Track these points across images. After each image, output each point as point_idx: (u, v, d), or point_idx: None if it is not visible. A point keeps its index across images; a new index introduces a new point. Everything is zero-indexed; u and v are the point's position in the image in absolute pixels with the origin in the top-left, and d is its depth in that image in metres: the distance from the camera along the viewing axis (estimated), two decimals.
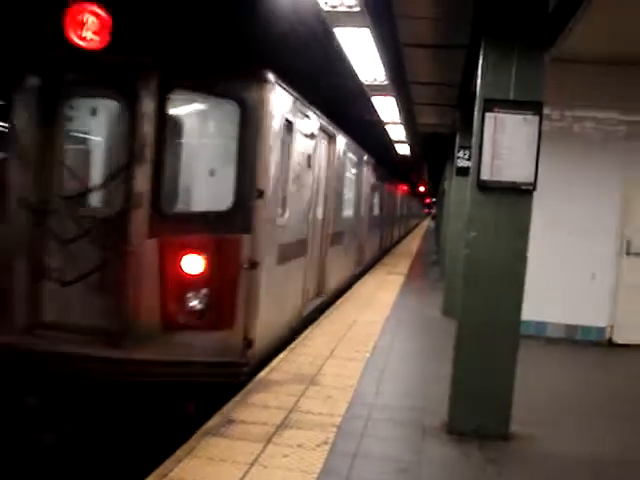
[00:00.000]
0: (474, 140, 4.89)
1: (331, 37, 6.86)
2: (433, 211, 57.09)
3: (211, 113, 6.26)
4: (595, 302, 8.58)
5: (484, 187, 4.82)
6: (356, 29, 6.47)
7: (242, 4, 6.18)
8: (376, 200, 17.58)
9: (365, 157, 14.11)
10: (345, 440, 4.61)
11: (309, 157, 8.10)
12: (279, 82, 6.20)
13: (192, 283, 5.70)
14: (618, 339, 8.58)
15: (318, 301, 9.53)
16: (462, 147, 9.69)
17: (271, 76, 5.99)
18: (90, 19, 5.48)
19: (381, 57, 7.52)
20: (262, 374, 6.12)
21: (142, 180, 5.68)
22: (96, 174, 6.10)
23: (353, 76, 8.64)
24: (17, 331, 5.69)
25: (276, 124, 6.26)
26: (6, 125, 5.87)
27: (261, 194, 5.92)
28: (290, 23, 7.22)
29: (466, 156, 9.45)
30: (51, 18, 5.47)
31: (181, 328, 5.67)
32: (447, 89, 10.00)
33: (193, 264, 5.71)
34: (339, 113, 9.89)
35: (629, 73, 8.05)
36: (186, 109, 6.15)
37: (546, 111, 4.96)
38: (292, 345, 7.42)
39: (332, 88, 9.62)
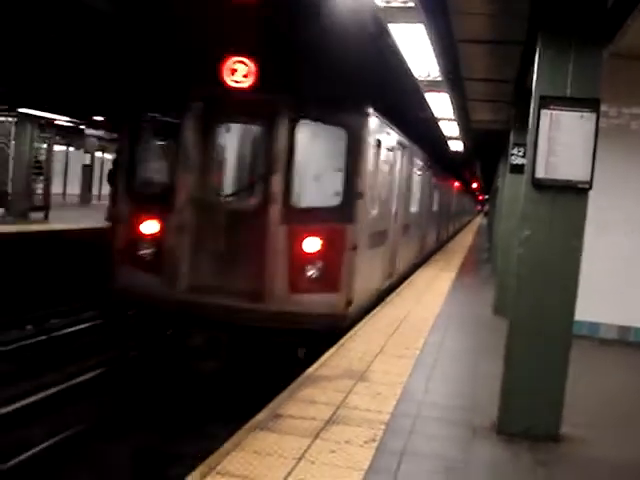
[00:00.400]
0: (529, 137, 4.82)
1: (409, 74, 9.09)
2: (486, 208, 56.65)
3: (326, 136, 8.21)
4: None
5: (539, 185, 4.74)
6: (410, 25, 6.46)
7: (348, 59, 8.21)
8: (435, 198, 19.63)
9: (427, 161, 16.25)
10: (393, 437, 4.59)
11: (390, 165, 10.72)
12: (374, 112, 8.54)
13: (310, 259, 7.87)
14: None
15: (388, 282, 11.49)
16: (516, 144, 9.57)
17: (369, 109, 8.36)
18: (240, 67, 7.85)
19: (435, 53, 7.47)
20: (311, 370, 6.14)
21: (276, 184, 7.88)
22: (243, 178, 8.36)
23: (421, 100, 11.04)
24: (186, 290, 7.93)
25: (370, 144, 8.53)
26: (176, 141, 8.17)
27: (361, 195, 8.18)
28: (379, 70, 9.79)
29: (520, 153, 9.33)
30: (213, 65, 7.82)
31: (302, 290, 7.85)
32: (502, 85, 9.88)
33: (312, 245, 7.87)
34: (407, 125, 12.13)
35: None
36: (308, 133, 8.09)
37: (603, 108, 4.86)
38: (341, 341, 7.43)
39: (403, 107, 12.04)
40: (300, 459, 4.08)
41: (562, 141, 4.69)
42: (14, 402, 7.77)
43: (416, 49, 7.43)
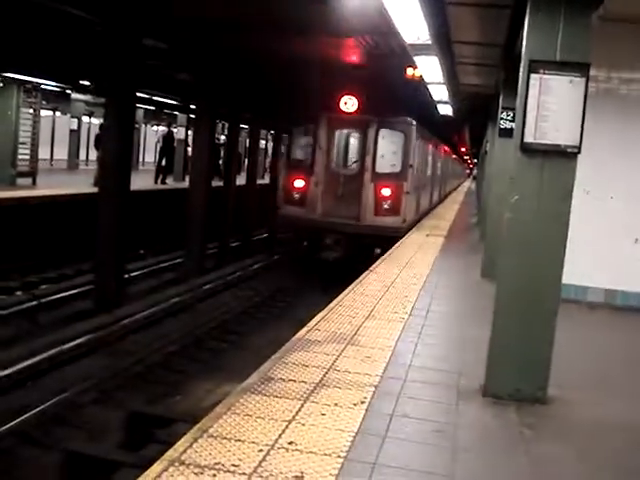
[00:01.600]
0: (518, 102, 4.81)
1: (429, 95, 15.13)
2: (475, 172, 56.52)
3: (392, 136, 16.09)
4: (637, 267, 8.47)
5: (528, 149, 4.75)
6: None
7: (401, 95, 17.08)
8: (437, 165, 26.59)
9: (430, 137, 21.83)
10: (382, 400, 4.65)
11: (420, 149, 17.93)
12: (414, 122, 16.53)
13: (385, 199, 15.59)
14: None
15: (419, 212, 19.33)
16: (505, 108, 9.55)
17: (413, 120, 16.50)
18: (350, 100, 15.69)
19: (425, 16, 7.41)
20: (301, 333, 6.18)
21: (368, 161, 15.86)
22: (350, 158, 16.29)
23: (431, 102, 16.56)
24: (319, 215, 15.47)
25: (414, 140, 16.32)
26: (314, 137, 16.07)
27: (411, 166, 16.08)
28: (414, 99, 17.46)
29: (509, 117, 9.32)
30: (335, 99, 15.38)
31: (380, 215, 15.49)
32: (491, 49, 9.82)
33: (385, 192, 15.60)
34: (424, 121, 18.89)
35: None
36: (383, 134, 16.07)
37: (592, 72, 4.85)
38: (331, 305, 7.47)
39: (423, 112, 18.80)
40: (291, 421, 4.12)
41: (551, 106, 4.69)
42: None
43: (405, 11, 7.36)
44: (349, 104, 15.69)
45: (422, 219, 19.27)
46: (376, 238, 15.05)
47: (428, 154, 21.27)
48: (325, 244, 15.51)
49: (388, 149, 16.01)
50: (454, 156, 39.95)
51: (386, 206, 15.62)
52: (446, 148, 32.54)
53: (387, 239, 13.93)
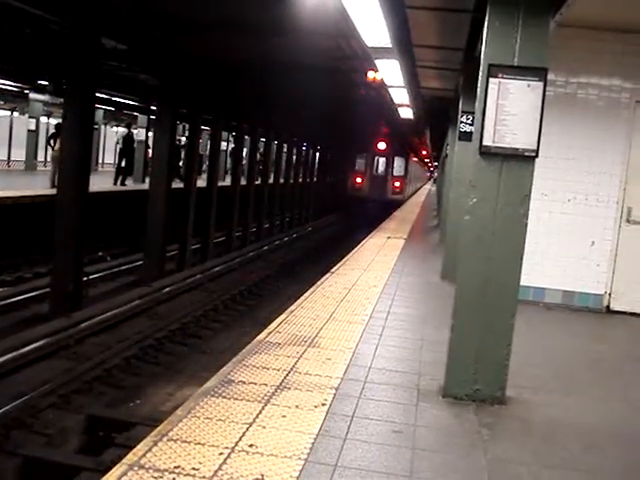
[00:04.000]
0: (477, 105, 4.86)
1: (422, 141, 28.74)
2: (435, 175, 57.81)
3: (399, 160, 40.39)
4: (594, 269, 8.61)
5: (486, 153, 4.80)
6: None
7: (409, 139, 40.68)
8: (413, 171, 45.47)
9: (406, 153, 40.53)
10: (342, 402, 4.66)
11: (409, 165, 40.71)
12: (406, 154, 42.82)
13: (396, 187, 39.06)
14: (615, 306, 8.64)
15: (410, 192, 42.82)
16: (465, 112, 9.64)
17: (405, 153, 42.15)
18: (382, 144, 37.78)
19: (385, 18, 7.45)
20: (261, 336, 6.17)
21: (389, 170, 40.36)
22: (382, 169, 40.59)
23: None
24: (366, 193, 38.68)
25: (407, 161, 40.61)
26: (366, 161, 40.12)
27: (407, 172, 40.12)
28: (412, 141, 41.18)
29: (469, 121, 9.40)
30: (375, 141, 37.58)
31: (394, 194, 38.53)
32: (452, 53, 9.92)
33: (397, 183, 39.18)
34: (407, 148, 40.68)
35: (636, 41, 8.01)
36: (395, 159, 39.92)
37: (550, 77, 4.92)
38: (292, 307, 7.47)
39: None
40: (251, 424, 4.11)
41: (510, 109, 4.74)
42: None
43: (366, 13, 7.39)
44: (381, 146, 37.90)
45: (410, 197, 40.55)
46: (391, 204, 31.96)
47: (410, 166, 41.70)
48: (367, 206, 36.69)
49: (397, 164, 39.20)
50: (416, 159, 52.37)
51: (397, 190, 38.92)
52: (415, 159, 49.38)
53: (397, 204, 31.24)
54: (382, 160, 37.46)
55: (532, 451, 4.23)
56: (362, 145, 36.19)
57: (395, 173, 38.18)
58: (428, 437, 4.26)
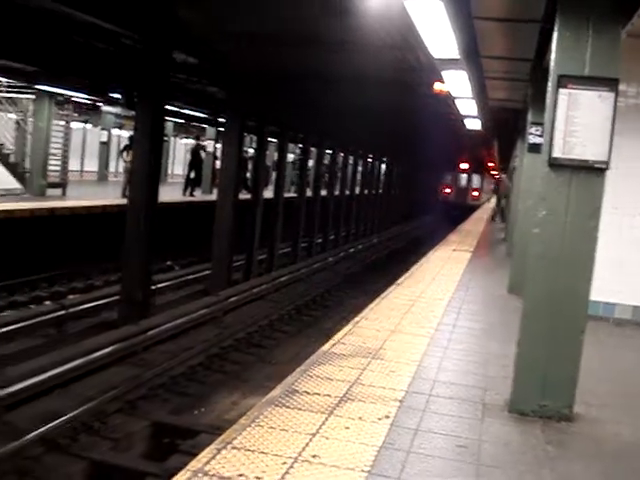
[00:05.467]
0: (547, 117, 4.79)
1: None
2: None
3: (475, 177, 52.75)
4: None
5: (556, 165, 4.73)
6: (428, 2, 6.42)
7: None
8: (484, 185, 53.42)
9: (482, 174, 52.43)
10: (407, 415, 4.63)
11: (481, 179, 53.20)
12: (482, 172, 55.54)
13: (475, 196, 50.79)
14: None
15: (483, 201, 50.95)
16: (534, 123, 9.50)
17: (481, 172, 54.05)
18: (463, 164, 49.87)
19: (453, 30, 7.42)
20: (326, 347, 6.18)
21: (469, 183, 52.73)
22: (463, 182, 52.80)
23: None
24: (453, 200, 49.30)
25: (481, 177, 53.69)
26: (452, 176, 52.28)
27: (482, 185, 52.60)
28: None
29: (538, 132, 9.26)
30: (457, 161, 48.87)
31: (473, 199, 49.64)
32: (520, 64, 9.79)
33: (475, 193, 50.89)
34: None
35: None
36: (474, 176, 52.51)
37: (621, 87, 4.82)
38: (356, 319, 7.46)
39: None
40: (314, 435, 4.12)
41: (580, 120, 4.67)
42: None
43: (433, 25, 7.37)
44: (463, 166, 49.58)
45: (484, 202, 45.73)
46: (472, 208, 37.66)
47: (484, 180, 50.93)
48: (454, 210, 41.71)
49: (475, 179, 50.83)
50: (487, 175, 59.37)
51: (474, 197, 49.40)
52: (487, 174, 56.12)
53: (475, 208, 38.26)
54: (464, 176, 50.90)
55: (599, 471, 4.13)
56: (450, 166, 49.65)
57: (473, 185, 51.15)
58: (493, 453, 4.20)
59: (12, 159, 18.44)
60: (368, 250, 27.85)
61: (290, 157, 32.06)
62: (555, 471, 4.03)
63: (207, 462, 3.64)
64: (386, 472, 3.74)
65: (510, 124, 17.57)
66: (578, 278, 4.77)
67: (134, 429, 7.52)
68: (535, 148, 9.13)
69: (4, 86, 18.37)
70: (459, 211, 39.55)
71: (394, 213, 38.35)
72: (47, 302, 12.57)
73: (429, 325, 7.49)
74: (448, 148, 35.69)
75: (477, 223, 28.06)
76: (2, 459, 6.19)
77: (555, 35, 4.69)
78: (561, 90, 4.67)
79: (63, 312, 11.23)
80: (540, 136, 8.77)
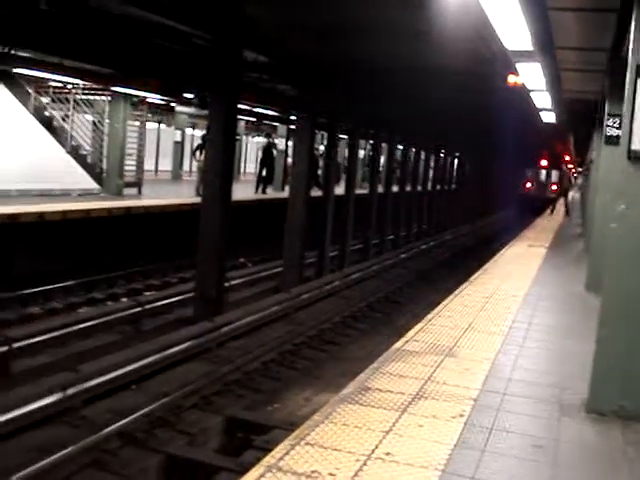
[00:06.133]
0: (625, 108, 4.66)
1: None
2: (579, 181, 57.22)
3: (554, 174, 46.53)
4: None
5: (635, 157, 4.59)
6: None
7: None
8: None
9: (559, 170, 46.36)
10: (481, 413, 4.57)
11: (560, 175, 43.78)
12: (562, 169, 48.25)
13: (553, 190, 40.65)
14: None
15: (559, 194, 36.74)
16: (611, 115, 9.25)
17: (560, 169, 47.44)
18: (543, 161, 46.80)
19: (527, 22, 7.28)
20: (398, 344, 6.16)
21: (548, 178, 48.21)
22: (542, 177, 48.94)
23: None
24: (534, 194, 45.11)
25: (558, 173, 46.32)
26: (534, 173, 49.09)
27: (560, 180, 38.37)
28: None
29: (616, 124, 9.01)
30: (539, 161, 47.21)
31: (551, 192, 40.64)
32: (596, 54, 9.55)
33: (554, 187, 41.74)
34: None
35: None
36: (553, 172, 46.67)
37: None
38: (429, 316, 7.41)
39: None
40: (388, 432, 4.11)
41: None
42: None
43: (507, 17, 7.25)
44: (543, 163, 46.06)
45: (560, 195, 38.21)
46: (550, 200, 34.94)
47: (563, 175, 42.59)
48: (535, 202, 39.88)
49: (554, 175, 44.79)
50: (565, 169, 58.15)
51: (553, 191, 40.07)
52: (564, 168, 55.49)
53: (552, 200, 34.01)
54: (544, 172, 49.99)
55: None
56: (528, 161, 49.57)
57: (552, 180, 49.26)
58: (570, 453, 4.11)
59: (89, 160, 18.91)
60: (440, 247, 27.60)
61: (361, 153, 32.03)
62: (634, 473, 3.92)
63: (281, 458, 3.66)
64: (460, 471, 3.70)
65: (586, 116, 17.16)
66: None
67: (209, 424, 7.62)
68: (613, 140, 8.88)
69: (81, 88, 18.84)
70: (540, 203, 40.57)
71: (470, 209, 37.61)
72: (123, 299, 12.85)
73: (503, 323, 7.38)
74: (525, 143, 35.39)
75: (554, 218, 27.55)
76: (80, 452, 6.35)
77: (633, 24, 4.56)
78: (639, 80, 4.53)
79: (139, 309, 11.46)
80: (618, 128, 8.54)
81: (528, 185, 52.14)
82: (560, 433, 4.38)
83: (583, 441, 4.33)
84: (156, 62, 13.26)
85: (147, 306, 11.72)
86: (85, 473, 6.21)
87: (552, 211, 31.47)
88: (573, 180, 66.64)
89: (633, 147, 4.58)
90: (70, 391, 7.37)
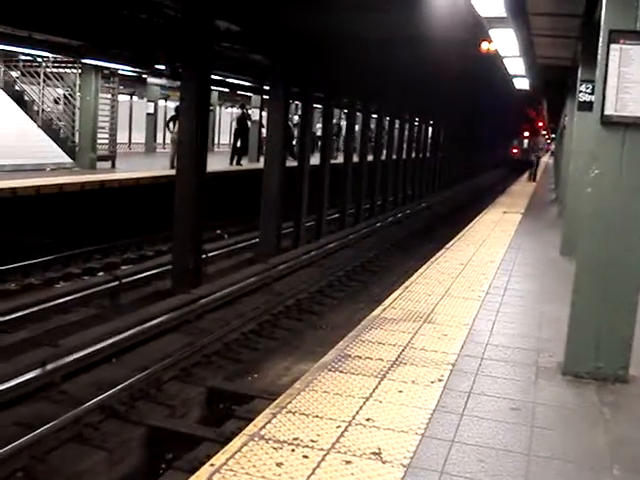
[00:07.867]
0: (598, 73, 4.69)
1: None
2: (552, 147, 59.46)
3: (537, 139, 70.80)
4: None
5: (608, 122, 4.63)
6: None
7: None
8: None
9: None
10: (459, 378, 4.64)
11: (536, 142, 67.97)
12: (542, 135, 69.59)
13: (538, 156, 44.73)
14: None
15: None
16: (584, 81, 9.30)
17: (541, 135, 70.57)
18: (526, 132, 65.45)
19: None
20: (376, 312, 6.20)
21: (530, 144, 69.41)
22: (525, 144, 70.28)
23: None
24: (518, 156, 63.06)
25: (538, 141, 74.30)
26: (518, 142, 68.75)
27: (540, 154, 50.65)
28: None
29: (589, 90, 9.06)
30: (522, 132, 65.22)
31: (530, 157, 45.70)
32: (569, 20, 9.57)
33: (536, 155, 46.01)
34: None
35: None
36: (531, 139, 70.11)
37: None
38: (406, 283, 7.46)
39: None
40: (368, 398, 4.16)
41: (632, 77, 4.56)
42: None
43: None
44: (525, 134, 65.23)
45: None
46: (532, 163, 35.08)
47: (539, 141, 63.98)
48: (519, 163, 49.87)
49: (537, 142, 64.64)
50: (542, 136, 70.99)
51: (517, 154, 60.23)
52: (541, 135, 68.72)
53: (532, 163, 34.83)
54: (525, 141, 63.57)
55: None
56: (515, 134, 63.11)
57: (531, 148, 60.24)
58: (547, 415, 4.19)
59: (62, 134, 18.69)
60: (417, 215, 27.68)
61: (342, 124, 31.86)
62: (610, 433, 4.00)
63: (263, 426, 3.70)
64: (440, 435, 3.76)
65: (559, 83, 17.23)
66: (632, 237, 4.69)
67: (190, 395, 7.65)
68: (586, 106, 8.94)
69: (51, 62, 18.56)
70: (524, 164, 46.73)
71: (447, 174, 37.61)
72: (100, 273, 12.80)
73: (480, 288, 7.46)
74: (500, 109, 35.64)
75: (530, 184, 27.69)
76: (62, 427, 6.36)
77: None
78: (612, 46, 4.56)
79: (117, 283, 11.42)
80: (591, 94, 8.60)
81: (514, 151, 65.76)
82: (537, 395, 4.46)
83: (560, 403, 4.41)
84: (127, 33, 13.09)
85: (124, 280, 11.69)
86: (67, 447, 6.22)
87: (533, 179, 32.15)
88: (545, 147, 72.94)
89: (606, 112, 4.62)
90: (50, 366, 7.36)
